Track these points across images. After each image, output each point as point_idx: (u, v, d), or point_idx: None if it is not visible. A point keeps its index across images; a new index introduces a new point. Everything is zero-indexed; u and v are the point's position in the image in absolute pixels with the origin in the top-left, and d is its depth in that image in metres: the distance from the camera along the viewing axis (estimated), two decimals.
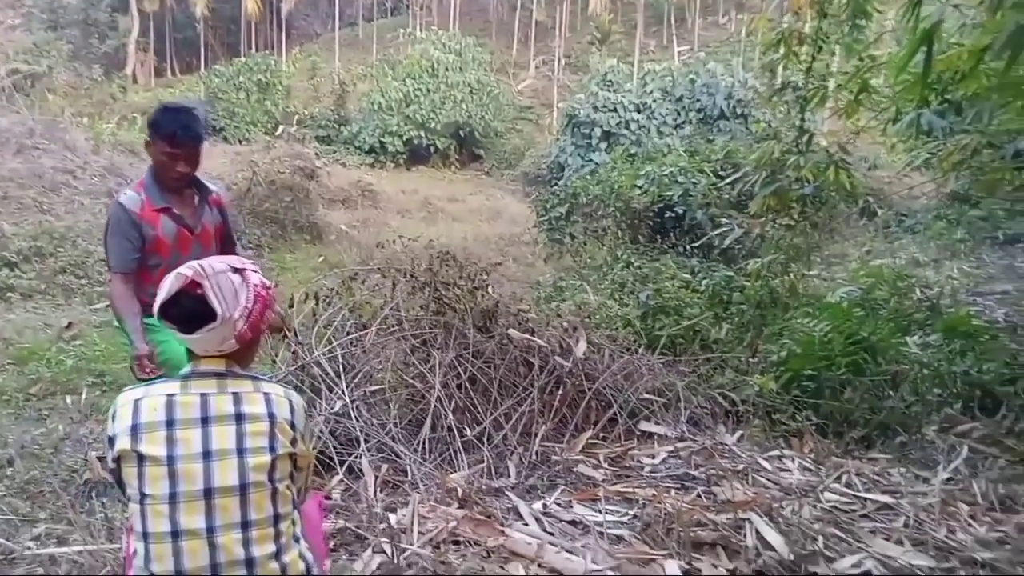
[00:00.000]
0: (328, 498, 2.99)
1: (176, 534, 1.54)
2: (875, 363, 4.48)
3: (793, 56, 5.61)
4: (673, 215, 9.37)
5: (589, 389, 3.93)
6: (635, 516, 2.81)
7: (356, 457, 3.30)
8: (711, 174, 9.53)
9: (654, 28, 45.07)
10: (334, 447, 3.33)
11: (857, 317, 5.01)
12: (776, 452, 3.61)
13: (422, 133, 28.62)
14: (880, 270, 7.52)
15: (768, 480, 3.22)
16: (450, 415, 3.56)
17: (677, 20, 43.48)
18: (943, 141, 6.77)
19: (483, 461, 3.36)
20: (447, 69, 29.88)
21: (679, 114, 19.87)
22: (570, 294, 7.02)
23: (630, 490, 3.03)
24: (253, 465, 1.59)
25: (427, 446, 3.46)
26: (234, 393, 1.64)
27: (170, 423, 1.58)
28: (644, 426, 3.90)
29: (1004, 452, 3.65)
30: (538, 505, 2.90)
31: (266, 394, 1.67)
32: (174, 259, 2.73)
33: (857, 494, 3.08)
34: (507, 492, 3.05)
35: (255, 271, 1.72)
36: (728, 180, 7.53)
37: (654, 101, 20.44)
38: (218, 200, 3.06)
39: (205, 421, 1.60)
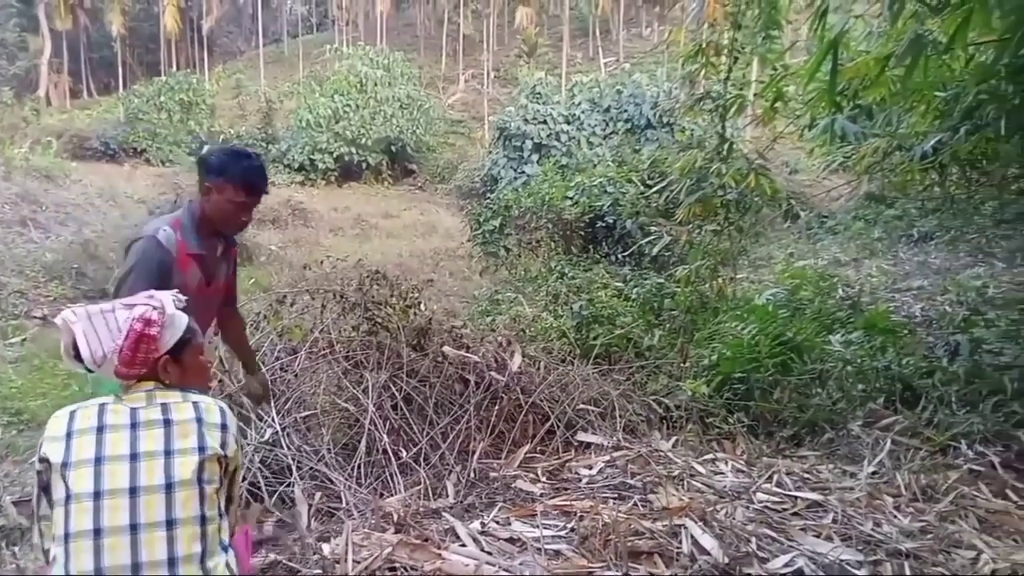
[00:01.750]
0: (262, 526, 2.90)
1: (98, 532, 1.54)
2: (801, 362, 4.61)
3: (711, 67, 5.76)
4: (604, 225, 9.49)
5: (526, 403, 3.92)
6: (573, 529, 2.81)
7: (288, 486, 3.21)
8: (639, 183, 9.70)
9: (580, 40, 45.83)
10: (264, 477, 3.23)
11: (783, 318, 5.15)
12: (710, 456, 3.68)
13: (353, 149, 28.33)
14: (803, 271, 7.77)
15: (703, 484, 3.27)
16: (385, 437, 3.50)
17: (602, 32, 44.28)
18: (856, 145, 7.05)
19: (420, 483, 3.31)
20: (376, 84, 29.70)
21: (607, 124, 20.17)
22: (506, 307, 7.03)
23: (568, 503, 3.03)
24: (180, 463, 1.61)
25: (362, 470, 3.39)
26: (162, 404, 1.68)
27: (101, 428, 1.63)
28: (581, 436, 3.92)
29: (924, 443, 3.80)
30: (476, 524, 2.87)
31: (195, 403, 1.71)
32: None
33: (788, 493, 3.16)
34: (445, 513, 3.01)
35: (152, 305, 1.72)
36: (655, 189, 7.68)
37: (583, 112, 20.71)
38: (235, 252, 2.88)
39: (134, 426, 1.63)
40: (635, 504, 3.06)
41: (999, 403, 4.12)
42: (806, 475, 3.42)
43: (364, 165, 29.02)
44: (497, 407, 3.85)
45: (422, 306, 4.46)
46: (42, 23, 41.32)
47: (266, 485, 3.19)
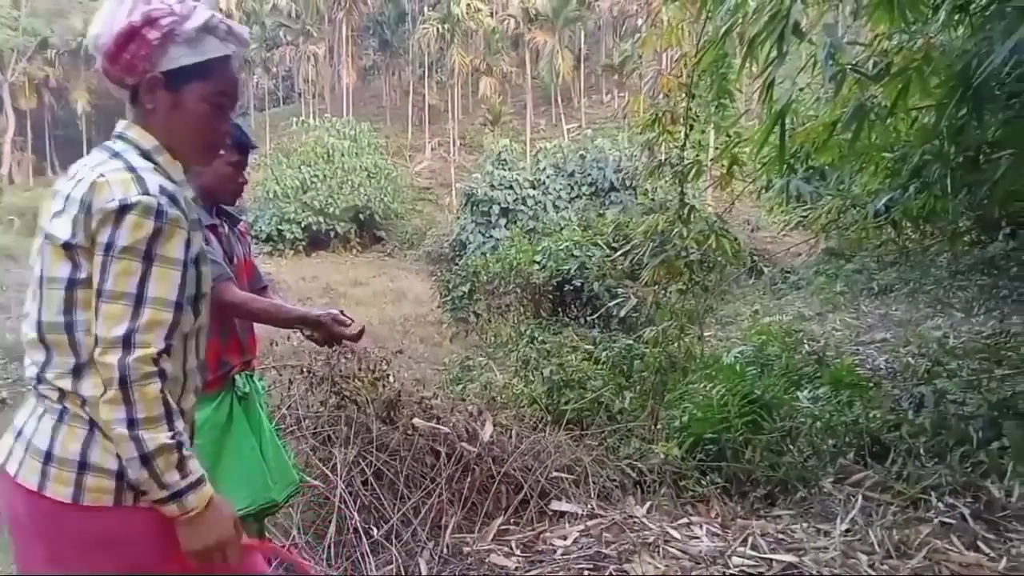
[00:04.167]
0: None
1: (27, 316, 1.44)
2: (771, 420, 4.65)
3: (668, 134, 5.95)
4: (572, 288, 9.61)
5: (498, 473, 3.88)
6: None
7: None
8: (604, 246, 9.88)
9: (543, 108, 47.08)
10: None
11: (751, 376, 5.21)
12: (684, 520, 3.65)
13: (321, 219, 28.52)
14: (769, 327, 7.91)
15: (678, 550, 3.24)
16: (355, 515, 3.43)
17: (564, 100, 45.58)
18: (812, 204, 7.29)
19: (392, 561, 3.24)
20: (343, 155, 30.13)
21: (572, 188, 20.64)
22: (477, 373, 7.01)
23: None
24: (43, 251, 1.40)
25: (332, 551, 3.31)
26: (83, 165, 1.43)
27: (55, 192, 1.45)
28: (555, 505, 3.87)
29: (895, 497, 3.82)
30: None
31: (93, 167, 1.39)
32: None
33: (763, 556, 3.14)
34: None
35: (171, 8, 1.40)
36: (620, 252, 7.81)
37: (548, 177, 21.18)
38: (245, 231, 2.68)
39: (55, 195, 1.43)
40: (611, 575, 3.02)
41: (965, 453, 4.19)
42: (781, 536, 3.41)
43: (332, 234, 29.18)
44: (469, 479, 3.80)
45: (391, 377, 4.43)
46: (6, 102, 41.46)
47: None
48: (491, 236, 20.20)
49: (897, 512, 3.64)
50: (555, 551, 3.34)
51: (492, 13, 46.73)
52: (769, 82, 3.68)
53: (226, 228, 2.52)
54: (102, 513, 1.35)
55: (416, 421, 4.00)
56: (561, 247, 10.07)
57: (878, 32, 4.53)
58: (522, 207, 20.79)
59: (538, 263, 10.10)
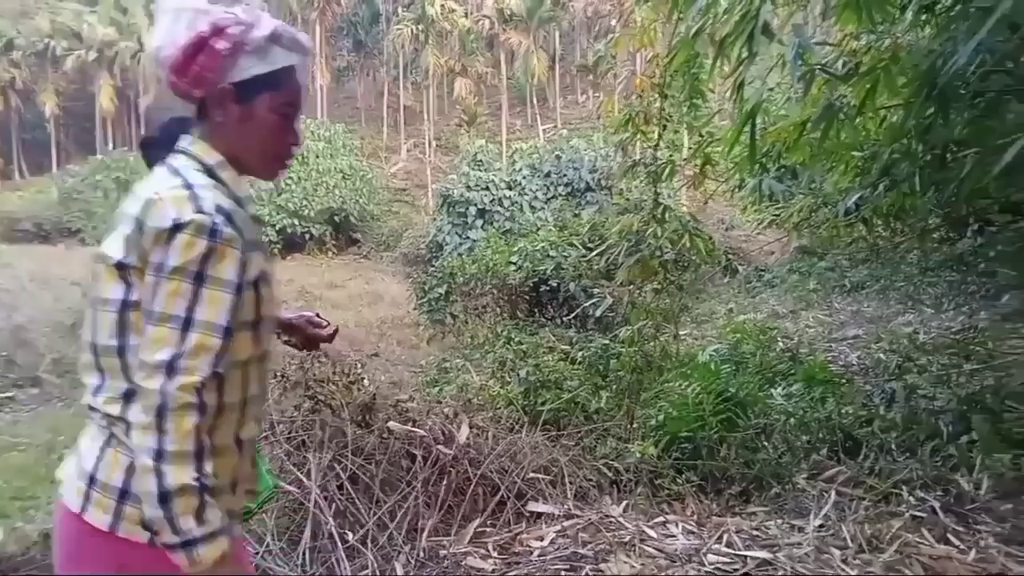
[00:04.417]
0: None
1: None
2: (746, 417, 4.68)
3: (642, 134, 5.97)
4: (548, 288, 9.63)
5: (474, 475, 3.86)
6: None
7: None
8: (580, 246, 9.91)
9: (518, 108, 47.13)
10: None
11: (726, 374, 5.25)
12: (660, 518, 3.66)
13: (295, 221, 28.32)
14: (744, 325, 7.97)
15: (654, 548, 3.25)
16: (330, 520, 3.40)
17: (539, 100, 45.66)
18: (784, 203, 7.37)
19: (368, 566, 3.21)
20: (317, 156, 29.94)
21: (548, 189, 20.69)
22: (454, 375, 6.99)
23: None
24: (97, 273, 1.35)
25: (307, 556, 3.27)
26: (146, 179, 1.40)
27: None
28: (532, 506, 3.86)
29: (867, 492, 3.86)
30: None
31: (152, 184, 1.36)
32: None
33: (738, 553, 3.16)
34: None
35: (238, 19, 1.36)
36: (595, 252, 7.83)
37: (524, 178, 21.21)
38: None
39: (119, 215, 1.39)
40: (587, 575, 3.02)
41: (936, 448, 4.25)
42: (755, 532, 3.43)
43: (308, 236, 28.99)
44: (445, 481, 3.78)
45: (365, 381, 4.39)
46: None
47: None
48: (467, 237, 20.18)
49: (869, 507, 3.68)
50: (532, 552, 3.33)
51: (467, 14, 46.65)
52: (740, 82, 3.70)
53: None
54: (135, 548, 1.29)
55: (391, 424, 3.98)
56: (537, 248, 10.09)
57: (847, 32, 4.58)
58: (498, 208, 20.80)
59: (514, 264, 10.11)
